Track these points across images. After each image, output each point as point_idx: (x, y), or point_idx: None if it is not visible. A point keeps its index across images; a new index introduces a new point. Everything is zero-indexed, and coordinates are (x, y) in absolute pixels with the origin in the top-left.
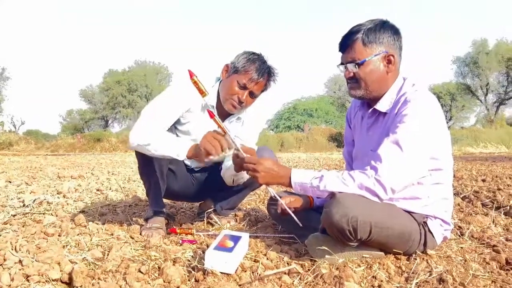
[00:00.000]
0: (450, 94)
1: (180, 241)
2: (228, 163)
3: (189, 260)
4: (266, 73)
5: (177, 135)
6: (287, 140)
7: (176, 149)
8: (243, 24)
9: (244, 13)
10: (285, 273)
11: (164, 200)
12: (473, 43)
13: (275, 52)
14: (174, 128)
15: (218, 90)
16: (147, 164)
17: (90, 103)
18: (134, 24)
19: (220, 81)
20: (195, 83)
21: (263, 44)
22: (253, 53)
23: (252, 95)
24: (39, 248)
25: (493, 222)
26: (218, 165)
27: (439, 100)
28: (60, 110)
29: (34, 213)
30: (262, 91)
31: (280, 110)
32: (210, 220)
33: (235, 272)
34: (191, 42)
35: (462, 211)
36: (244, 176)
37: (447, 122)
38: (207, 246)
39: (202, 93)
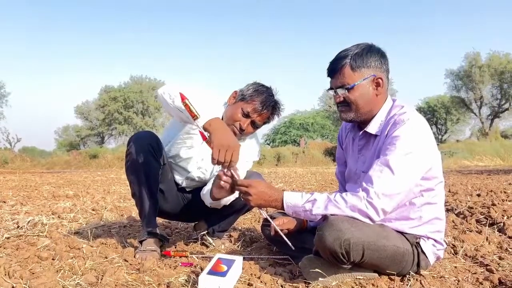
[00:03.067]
0: (445, 107)
1: (180, 264)
2: (209, 187)
3: (182, 285)
4: (271, 106)
5: (175, 162)
6: (284, 154)
7: (205, 109)
8: (238, 36)
9: (238, 26)
10: None
11: (159, 220)
12: (466, 56)
13: (269, 65)
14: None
15: (223, 115)
16: (138, 185)
17: (86, 120)
18: (130, 39)
19: (227, 106)
20: (186, 106)
21: (257, 57)
22: (263, 85)
23: (254, 125)
24: (33, 273)
25: (486, 239)
26: None
27: (434, 113)
28: (55, 127)
29: (28, 235)
30: (265, 123)
31: (276, 124)
32: (204, 242)
33: None
34: (186, 57)
35: (456, 228)
36: (222, 203)
37: (443, 135)
38: (201, 270)
39: (194, 116)
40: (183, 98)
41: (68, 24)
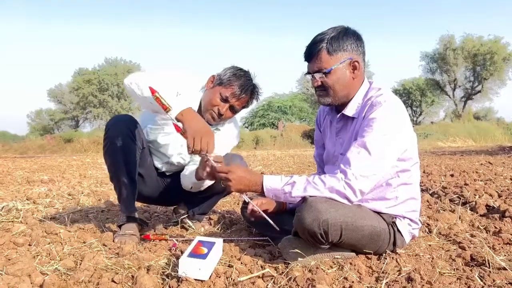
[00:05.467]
0: (420, 89)
1: (172, 247)
2: (191, 168)
3: (163, 268)
4: (249, 90)
5: (151, 148)
6: (262, 137)
7: (176, 100)
8: (215, 21)
9: (216, 7)
10: (259, 277)
11: (138, 204)
12: (441, 39)
13: (246, 49)
14: (153, 141)
15: (201, 99)
16: (117, 169)
17: (59, 103)
18: (104, 20)
19: (204, 91)
20: (157, 99)
21: (234, 40)
22: (241, 69)
23: (233, 110)
24: (9, 259)
25: (459, 218)
26: None
27: (409, 96)
28: (28, 111)
29: (3, 221)
30: (243, 107)
31: (254, 107)
32: (184, 225)
33: (209, 278)
34: (164, 40)
35: (431, 208)
36: (204, 184)
37: (418, 117)
38: (182, 252)
39: (166, 108)
40: (153, 92)
41: (39, 4)
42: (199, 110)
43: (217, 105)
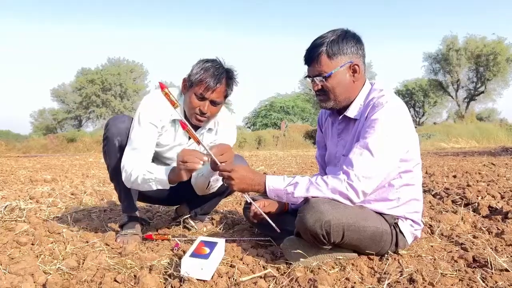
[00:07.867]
0: (423, 90)
1: (175, 248)
2: (200, 172)
3: (165, 268)
4: (223, 78)
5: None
6: (264, 137)
7: (158, 182)
8: (216, 20)
9: (217, 10)
10: (261, 277)
11: (140, 204)
12: (444, 40)
13: (249, 49)
14: None
15: (183, 106)
16: (116, 169)
17: (62, 103)
18: (107, 20)
19: (183, 97)
20: (166, 95)
21: (236, 40)
22: (207, 61)
23: (214, 104)
24: (12, 258)
25: (462, 219)
26: None
27: (412, 96)
28: (31, 110)
29: (6, 221)
30: (225, 96)
31: (256, 107)
32: (186, 225)
33: (212, 278)
34: (166, 41)
35: (433, 209)
36: (218, 182)
37: (421, 118)
38: (184, 253)
39: (174, 104)
40: (162, 87)
41: (41, 3)
42: (185, 115)
43: (197, 106)
